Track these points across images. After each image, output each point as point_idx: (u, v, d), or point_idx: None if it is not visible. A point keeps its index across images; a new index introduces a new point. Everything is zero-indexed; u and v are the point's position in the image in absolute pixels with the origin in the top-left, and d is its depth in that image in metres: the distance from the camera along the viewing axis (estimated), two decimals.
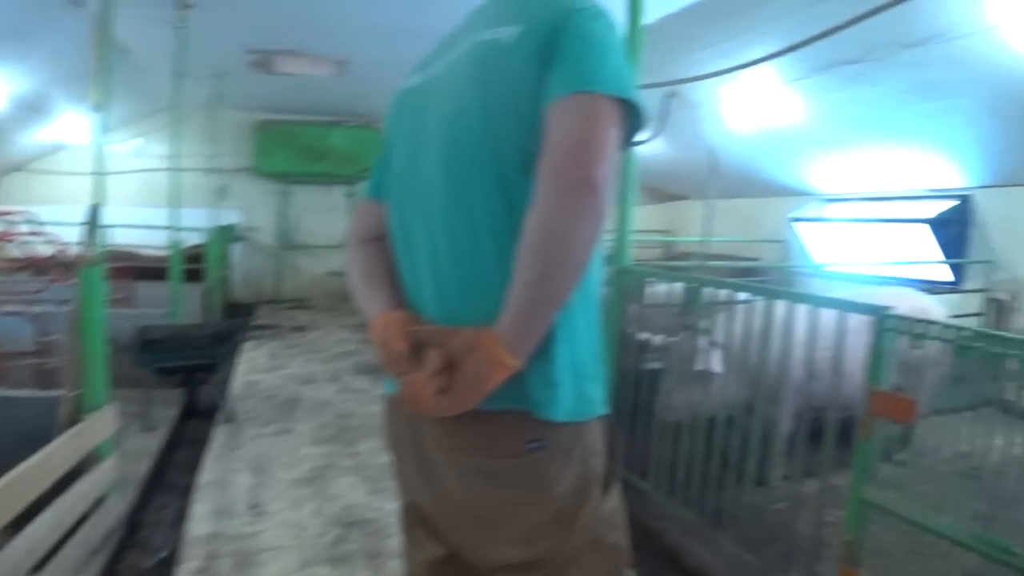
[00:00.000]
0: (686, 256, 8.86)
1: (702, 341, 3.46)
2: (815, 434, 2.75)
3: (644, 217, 11.52)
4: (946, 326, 2.11)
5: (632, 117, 1.19)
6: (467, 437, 1.24)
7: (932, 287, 6.74)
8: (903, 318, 2.21)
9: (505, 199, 1.20)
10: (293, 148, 11.13)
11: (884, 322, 2.24)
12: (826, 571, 2.71)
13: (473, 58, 1.26)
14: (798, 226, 8.02)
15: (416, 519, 1.47)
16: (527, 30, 1.20)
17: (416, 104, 1.41)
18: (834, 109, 6.33)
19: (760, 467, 3.18)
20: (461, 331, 1.16)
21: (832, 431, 2.59)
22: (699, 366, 3.45)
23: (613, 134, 1.12)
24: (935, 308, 4.48)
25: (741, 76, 6.31)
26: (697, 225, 10.40)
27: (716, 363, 3.47)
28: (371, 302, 1.43)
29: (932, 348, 4.42)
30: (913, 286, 6.72)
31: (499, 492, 1.25)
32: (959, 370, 6.10)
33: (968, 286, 6.58)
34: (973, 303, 6.49)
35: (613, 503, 1.39)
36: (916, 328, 2.18)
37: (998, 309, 6.41)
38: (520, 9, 1.26)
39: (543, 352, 1.18)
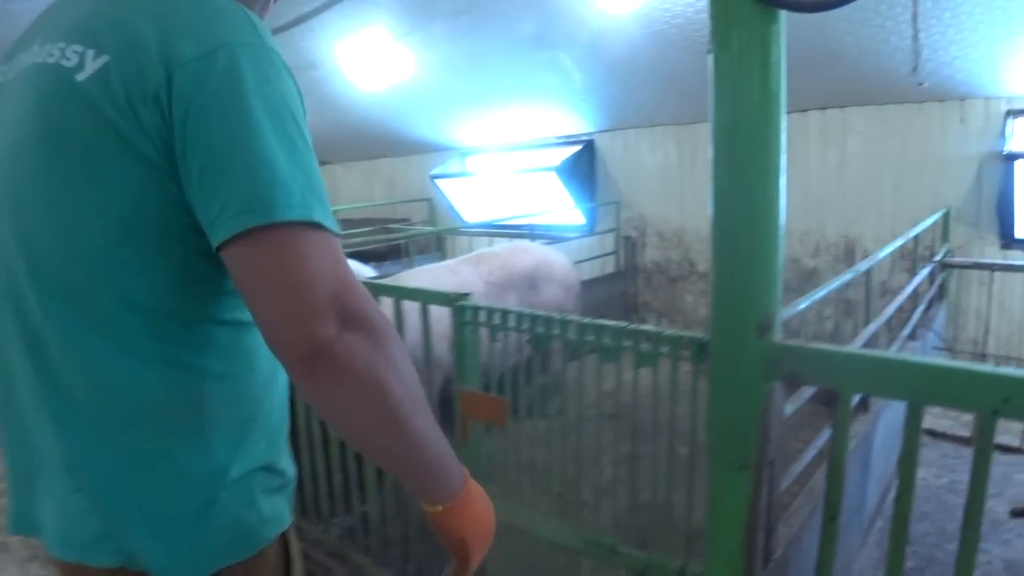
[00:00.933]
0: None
1: None
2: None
3: None
4: (522, 315, 1.87)
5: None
6: None
7: (567, 232, 6.99)
8: (479, 309, 1.94)
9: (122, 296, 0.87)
10: None
11: (461, 314, 1.95)
12: None
13: (33, 88, 0.87)
14: (440, 183, 7.91)
15: None
16: (111, 67, 0.81)
17: None
18: (451, 62, 6.22)
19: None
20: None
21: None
22: None
23: (325, 264, 0.81)
24: (556, 258, 4.50)
25: (355, 34, 6.00)
26: (347, 191, 10.05)
27: None
28: None
29: (563, 296, 4.45)
30: (553, 233, 6.92)
31: None
32: (598, 310, 6.42)
33: (601, 227, 6.88)
34: (608, 243, 6.82)
35: None
36: (493, 319, 1.92)
37: (628, 246, 6.79)
38: (114, 14, 0.85)
39: (135, 508, 0.91)
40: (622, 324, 1.66)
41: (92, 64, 0.82)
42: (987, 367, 1.20)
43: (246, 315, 0.88)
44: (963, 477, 3.83)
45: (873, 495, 3.23)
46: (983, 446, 1.24)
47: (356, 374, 0.81)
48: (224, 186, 0.79)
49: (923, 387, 1.24)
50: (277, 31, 5.26)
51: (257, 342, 0.93)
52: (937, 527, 3.35)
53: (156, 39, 0.81)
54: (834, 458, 1.40)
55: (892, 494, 3.63)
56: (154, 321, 0.89)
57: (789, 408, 1.78)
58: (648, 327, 1.65)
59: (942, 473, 3.92)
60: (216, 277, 0.90)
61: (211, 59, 0.79)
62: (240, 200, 0.78)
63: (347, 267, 0.84)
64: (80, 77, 0.82)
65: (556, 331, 1.79)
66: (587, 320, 1.73)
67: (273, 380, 1.02)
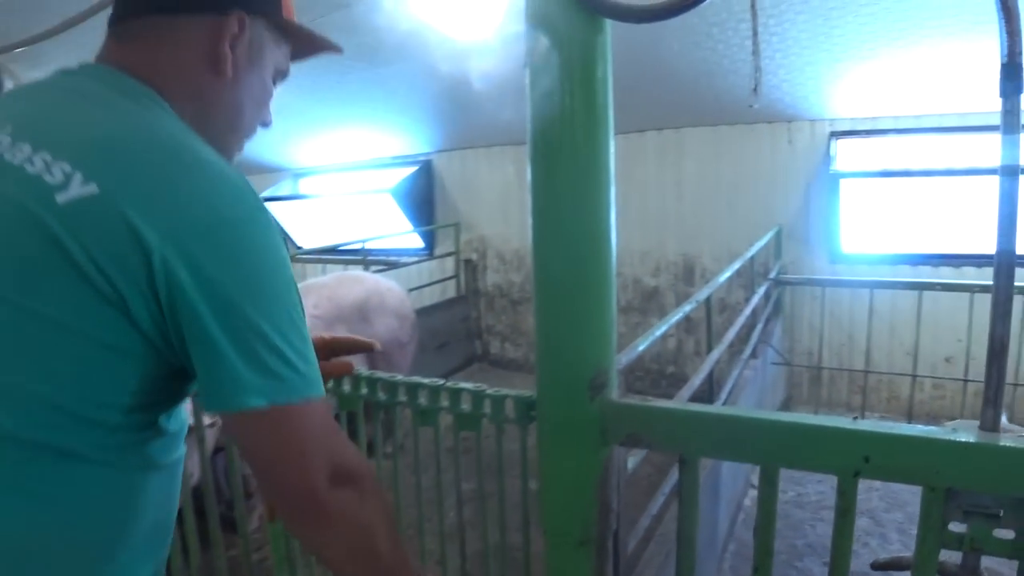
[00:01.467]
0: None
1: None
2: None
3: None
4: None
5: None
6: None
7: (405, 257, 6.76)
8: None
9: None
10: None
11: None
12: None
13: (6, 197, 0.79)
14: (272, 205, 7.47)
15: None
16: (98, 201, 0.75)
17: None
18: None
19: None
20: None
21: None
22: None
23: (319, 432, 0.85)
24: (388, 286, 4.28)
25: None
26: None
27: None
28: None
29: (397, 327, 4.21)
30: (391, 258, 6.64)
31: None
32: (440, 337, 6.22)
33: (440, 251, 6.69)
34: (449, 267, 6.62)
35: None
36: None
37: (469, 269, 6.61)
38: (111, 144, 0.79)
39: None
40: (439, 382, 1.43)
41: (78, 188, 0.77)
42: (846, 422, 1.04)
43: (130, 459, 0.87)
44: (808, 490, 3.85)
45: (724, 519, 3.16)
46: (844, 508, 1.09)
47: (346, 523, 0.88)
48: (226, 357, 0.79)
49: (777, 449, 1.07)
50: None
51: (138, 487, 0.89)
52: (787, 545, 3.32)
53: (153, 193, 0.77)
54: (683, 532, 1.21)
55: (742, 516, 3.58)
56: (21, 454, 0.81)
57: (633, 461, 1.61)
58: (467, 385, 1.42)
59: (787, 487, 3.91)
60: (107, 424, 0.83)
61: (217, 230, 0.78)
62: (241, 376, 0.80)
63: (336, 427, 0.90)
64: (61, 199, 0.77)
65: (364, 391, 1.53)
66: (399, 378, 1.49)
67: (157, 536, 0.95)
